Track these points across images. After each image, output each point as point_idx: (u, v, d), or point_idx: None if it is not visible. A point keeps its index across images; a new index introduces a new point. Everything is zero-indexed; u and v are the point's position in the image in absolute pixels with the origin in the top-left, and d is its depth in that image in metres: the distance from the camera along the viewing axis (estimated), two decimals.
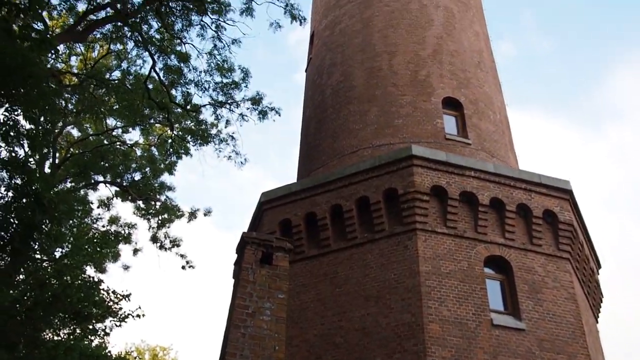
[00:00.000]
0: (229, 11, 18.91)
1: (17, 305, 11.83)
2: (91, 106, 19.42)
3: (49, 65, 16.50)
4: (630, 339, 50.03)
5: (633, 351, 50.02)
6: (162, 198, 24.96)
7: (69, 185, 23.50)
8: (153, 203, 24.93)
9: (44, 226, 12.62)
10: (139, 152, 25.70)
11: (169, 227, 25.92)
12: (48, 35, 10.51)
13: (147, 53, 18.34)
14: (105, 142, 24.20)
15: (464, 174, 14.52)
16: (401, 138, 16.30)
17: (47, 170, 21.18)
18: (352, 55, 18.78)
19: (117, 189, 25.03)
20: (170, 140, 22.21)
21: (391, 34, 18.59)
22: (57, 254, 14.37)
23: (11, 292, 12.10)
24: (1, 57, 9.00)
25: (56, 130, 23.29)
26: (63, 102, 20.61)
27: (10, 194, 12.19)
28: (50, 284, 12.74)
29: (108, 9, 16.73)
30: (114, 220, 25.92)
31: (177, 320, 55.95)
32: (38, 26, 9.21)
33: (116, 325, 14.58)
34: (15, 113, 11.25)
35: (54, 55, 17.27)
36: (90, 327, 14.12)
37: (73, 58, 22.58)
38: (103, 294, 13.81)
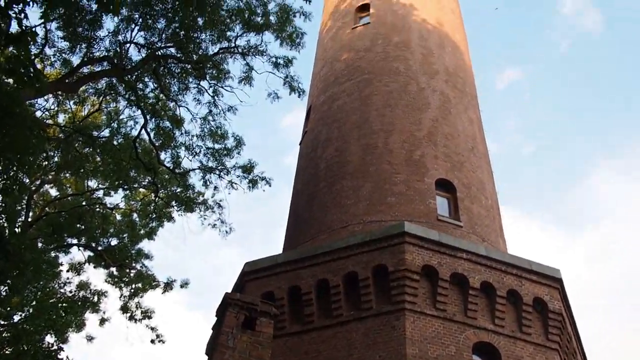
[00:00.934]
0: (228, 78, 18.83)
1: None
2: (74, 163, 18.78)
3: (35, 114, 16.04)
4: None
5: None
6: (138, 266, 24.00)
7: (40, 246, 22.55)
8: (128, 271, 23.94)
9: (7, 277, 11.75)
10: (118, 217, 24.99)
11: (141, 297, 24.85)
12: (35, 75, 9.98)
13: (139, 111, 18.01)
14: (84, 203, 23.49)
15: (456, 255, 14.12)
16: (393, 216, 15.90)
17: (17, 229, 20.39)
18: (349, 131, 18.65)
19: (91, 253, 24.09)
20: (153, 205, 21.52)
21: (388, 113, 18.55)
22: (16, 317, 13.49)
23: None
24: None
25: (33, 188, 22.60)
26: (45, 158, 20.04)
27: None
28: (3, 350, 11.78)
29: (105, 62, 16.49)
30: (83, 286, 24.61)
31: None
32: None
33: None
34: None
35: (41, 100, 16.83)
36: None
37: (61, 116, 22.21)
38: None
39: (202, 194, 21.85)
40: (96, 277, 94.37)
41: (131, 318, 24.76)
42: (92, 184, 24.09)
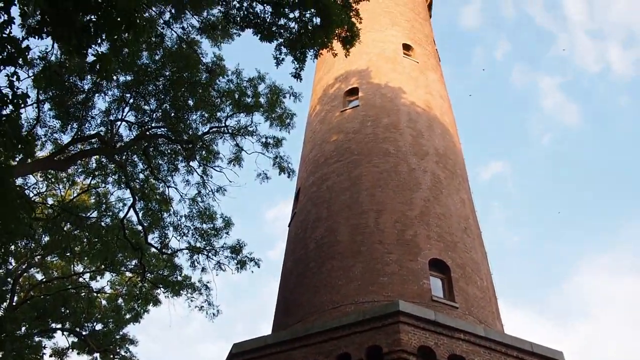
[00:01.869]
0: (217, 158, 18.81)
1: None
2: (62, 243, 18.41)
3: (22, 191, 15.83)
4: None
5: None
6: (122, 352, 23.13)
7: (23, 330, 21.83)
8: (112, 357, 23.05)
9: None
10: (104, 302, 24.39)
11: None
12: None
13: (128, 190, 17.84)
14: (70, 287, 22.94)
15: (454, 335, 13.58)
16: (386, 296, 15.47)
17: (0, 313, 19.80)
18: (339, 211, 18.46)
19: (75, 339, 23.33)
20: (140, 286, 20.97)
21: (379, 193, 18.44)
22: None
23: None
24: None
25: (18, 272, 22.22)
26: (32, 238, 19.72)
27: None
28: None
29: (95, 139, 16.45)
30: None
31: None
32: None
33: None
34: None
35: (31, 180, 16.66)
36: None
37: (50, 200, 22.02)
38: None
39: (189, 278, 21.39)
40: None
41: None
42: (79, 268, 23.66)
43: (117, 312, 23.32)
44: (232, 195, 48.86)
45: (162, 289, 20.91)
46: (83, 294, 23.45)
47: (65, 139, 16.94)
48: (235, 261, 19.53)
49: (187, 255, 19.63)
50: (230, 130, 18.74)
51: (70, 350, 23.27)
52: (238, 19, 15.74)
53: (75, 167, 18.54)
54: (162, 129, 17.31)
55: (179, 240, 19.52)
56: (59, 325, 22.98)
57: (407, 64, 24.11)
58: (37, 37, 8.60)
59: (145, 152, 17.55)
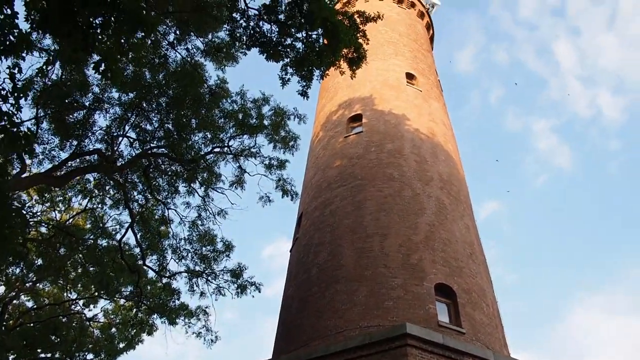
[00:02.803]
0: (219, 180, 18.45)
1: None
2: (55, 264, 17.85)
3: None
4: None
5: None
6: None
7: (10, 359, 21.09)
8: None
9: None
10: (96, 332, 23.66)
11: None
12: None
13: (126, 210, 17.37)
14: (61, 314, 22.25)
15: (462, 359, 13.08)
16: (391, 321, 14.96)
17: None
18: (342, 235, 18.05)
19: None
20: (135, 311, 20.30)
21: (383, 217, 18.08)
22: None
23: None
24: None
25: (7, 299, 21.60)
26: (24, 263, 19.17)
27: None
28: None
29: (95, 155, 16.07)
30: None
31: None
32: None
33: None
34: None
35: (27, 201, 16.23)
36: None
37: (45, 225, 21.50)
38: None
39: (187, 306, 20.76)
40: None
41: None
42: (72, 295, 23.03)
43: (110, 341, 22.57)
44: (233, 217, 48.07)
45: (158, 316, 20.21)
46: (74, 322, 22.78)
47: (64, 156, 16.63)
48: (235, 285, 18.98)
49: (185, 279, 19.10)
50: (233, 151, 18.41)
51: None
52: (244, 37, 15.60)
53: (73, 185, 18.08)
54: (164, 149, 16.97)
55: (177, 263, 19.01)
56: (49, 355, 22.21)
57: (411, 92, 24.04)
58: (41, 32, 8.34)
59: (145, 173, 17.17)
